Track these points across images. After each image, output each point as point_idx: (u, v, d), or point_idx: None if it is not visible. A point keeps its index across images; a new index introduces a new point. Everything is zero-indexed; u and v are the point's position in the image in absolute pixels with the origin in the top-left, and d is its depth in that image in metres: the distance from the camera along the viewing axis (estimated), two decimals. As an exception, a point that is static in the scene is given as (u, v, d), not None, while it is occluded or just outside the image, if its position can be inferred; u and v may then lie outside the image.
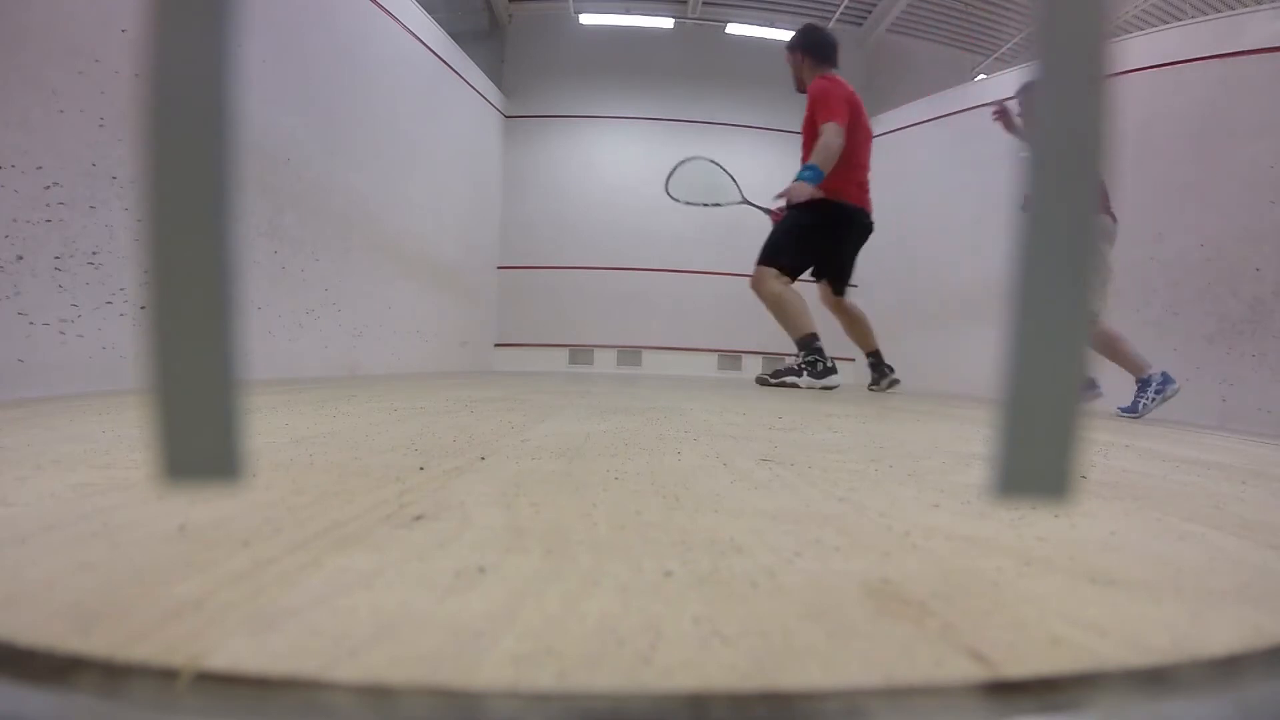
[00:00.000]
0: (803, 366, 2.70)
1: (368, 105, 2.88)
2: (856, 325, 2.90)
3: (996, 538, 0.44)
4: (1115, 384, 2.55)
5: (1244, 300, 2.43)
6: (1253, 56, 2.49)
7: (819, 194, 2.72)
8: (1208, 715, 0.24)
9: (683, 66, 5.28)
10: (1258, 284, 2.40)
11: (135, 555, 0.35)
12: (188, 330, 0.23)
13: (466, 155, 4.28)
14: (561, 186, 5.14)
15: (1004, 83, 3.84)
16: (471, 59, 4.21)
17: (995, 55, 5.68)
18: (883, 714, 0.23)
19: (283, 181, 2.26)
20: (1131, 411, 2.44)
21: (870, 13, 5.32)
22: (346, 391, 1.64)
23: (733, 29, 5.33)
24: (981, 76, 5.35)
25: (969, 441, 1.04)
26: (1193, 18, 3.49)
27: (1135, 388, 2.44)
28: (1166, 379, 2.41)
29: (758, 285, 2.74)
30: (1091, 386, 2.60)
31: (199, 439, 0.24)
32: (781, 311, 2.70)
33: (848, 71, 5.64)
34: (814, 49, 2.79)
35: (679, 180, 3.24)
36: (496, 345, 4.99)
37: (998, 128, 2.63)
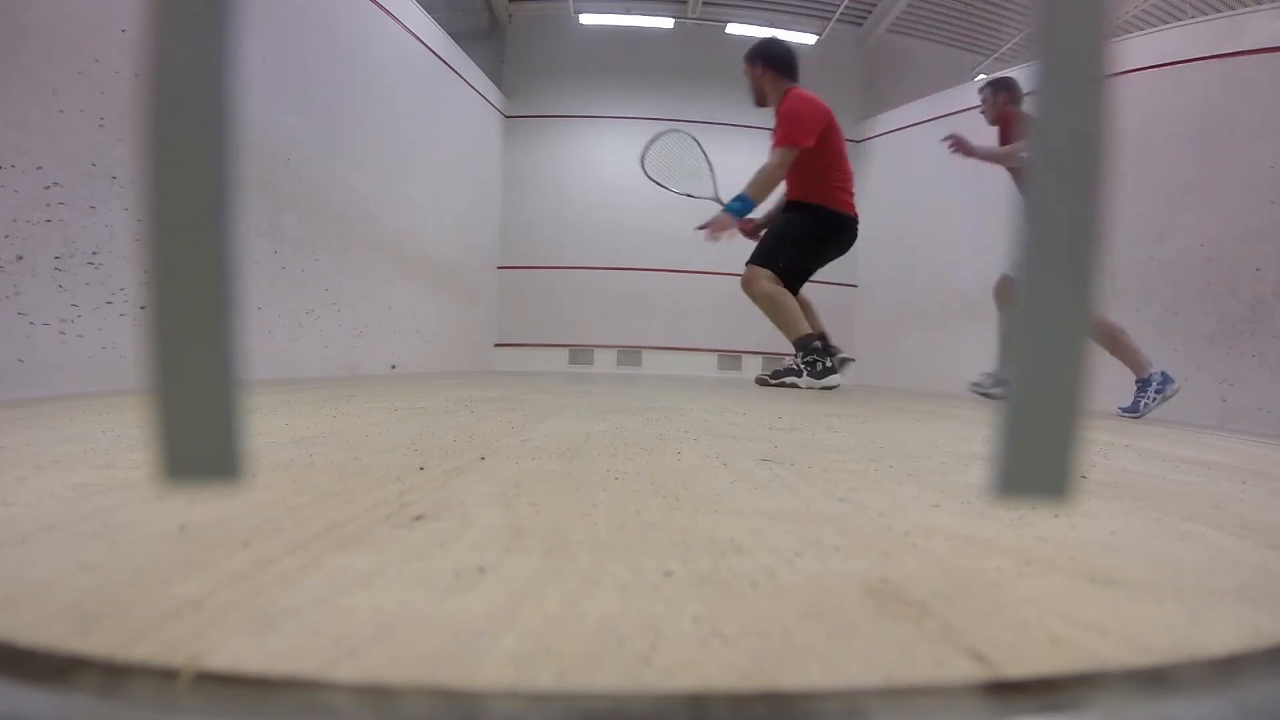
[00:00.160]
0: (802, 366, 2.69)
1: (368, 105, 2.88)
2: (804, 310, 2.84)
3: (996, 538, 0.44)
4: (1116, 382, 2.55)
5: (1244, 300, 2.43)
6: (1253, 56, 2.49)
7: (825, 203, 2.71)
8: (1208, 715, 0.24)
9: (683, 66, 5.28)
10: (1258, 284, 2.40)
11: (135, 555, 0.35)
12: (188, 330, 0.23)
13: (466, 155, 4.28)
14: (561, 186, 5.14)
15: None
16: (471, 59, 4.21)
17: (995, 55, 5.68)
18: (883, 714, 0.23)
19: (283, 181, 2.26)
20: (1132, 411, 2.47)
21: (870, 13, 5.32)
22: (346, 391, 1.64)
23: (733, 29, 5.33)
24: (981, 76, 5.34)
25: (969, 441, 1.04)
26: (1193, 18, 3.49)
27: (1135, 387, 2.47)
28: (1166, 379, 2.44)
29: (749, 285, 2.71)
30: (1164, 382, 2.65)
31: (199, 439, 0.24)
32: (777, 311, 2.68)
33: (848, 71, 5.64)
34: (775, 61, 2.73)
35: (656, 155, 3.12)
36: (496, 345, 4.99)
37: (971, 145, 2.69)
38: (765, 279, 2.66)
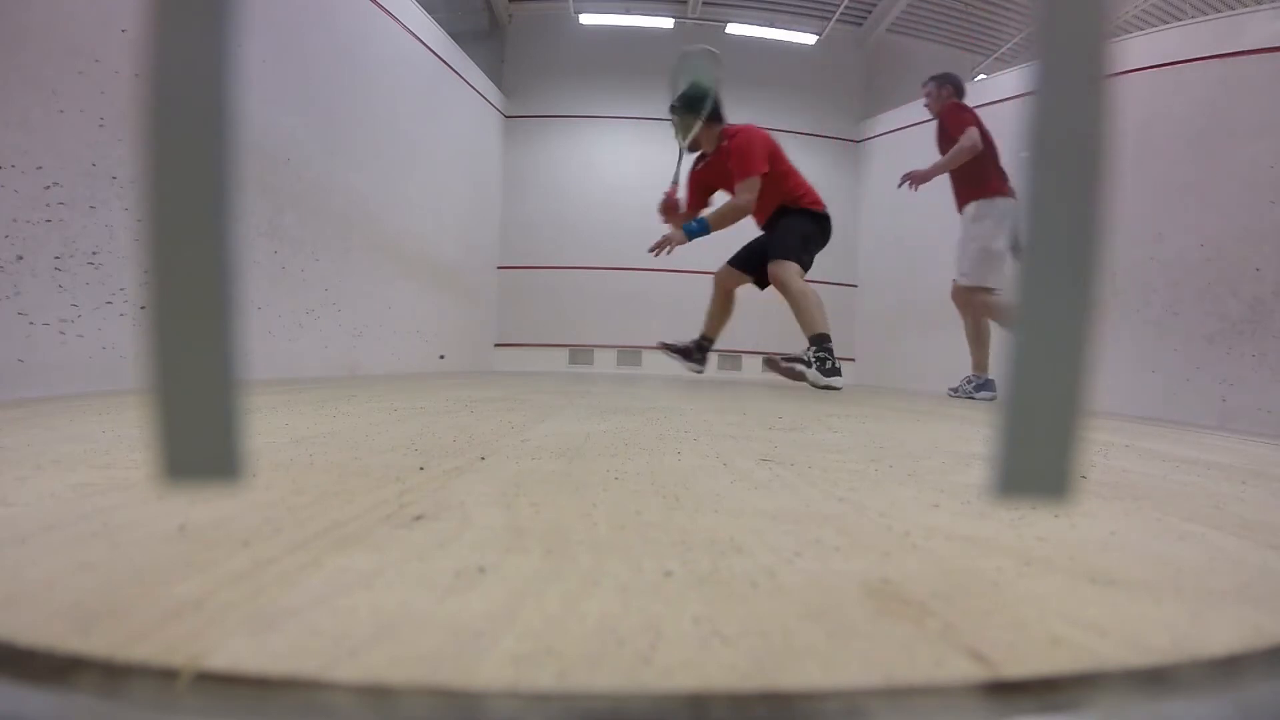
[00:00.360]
0: (813, 360, 2.72)
1: (368, 105, 2.87)
2: (726, 313, 3.09)
3: (996, 538, 0.44)
4: (1116, 382, 2.55)
5: (1244, 300, 2.43)
6: (1253, 56, 2.48)
7: (816, 206, 2.88)
8: (1208, 715, 0.24)
9: (683, 66, 5.28)
10: (1258, 284, 2.39)
11: (135, 555, 0.35)
12: (188, 330, 0.23)
13: (466, 155, 4.28)
14: (561, 186, 5.14)
15: (1004, 83, 3.84)
16: (471, 59, 4.21)
17: (995, 55, 5.68)
18: (883, 714, 0.23)
19: (283, 181, 2.26)
20: (954, 392, 2.83)
21: (870, 13, 5.32)
22: (346, 391, 1.64)
23: (733, 29, 5.33)
24: (981, 76, 5.34)
25: (969, 441, 1.04)
26: (1193, 18, 3.49)
27: (965, 377, 2.85)
28: (990, 386, 2.77)
29: (787, 279, 2.77)
30: (990, 387, 2.84)
31: (199, 439, 0.24)
32: (807, 304, 2.74)
33: (848, 71, 5.65)
34: (713, 110, 2.91)
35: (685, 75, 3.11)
36: (496, 345, 4.99)
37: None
38: (797, 274, 2.75)
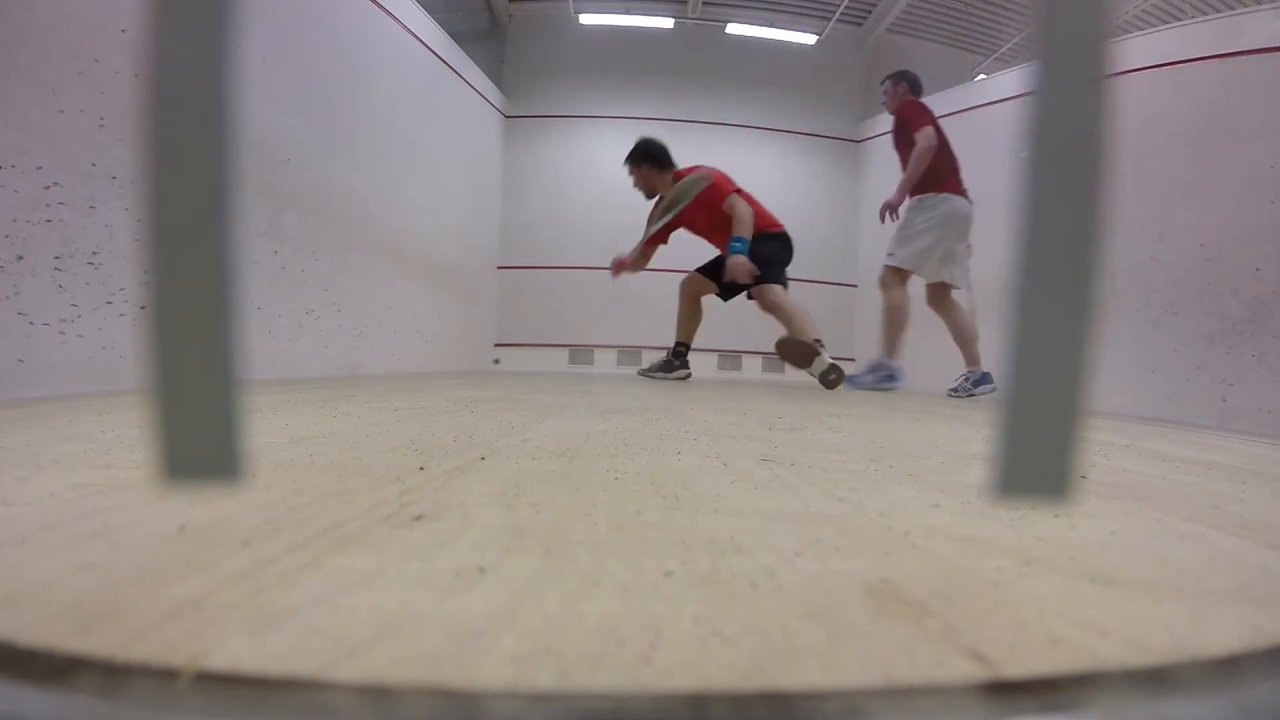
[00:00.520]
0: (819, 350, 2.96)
1: (368, 105, 2.87)
2: (696, 317, 3.33)
3: (996, 538, 0.44)
4: (1117, 382, 2.55)
5: (1244, 300, 2.43)
6: (1253, 56, 2.48)
7: (772, 228, 3.07)
8: (1208, 715, 0.24)
9: (683, 66, 5.28)
10: (1258, 284, 2.39)
11: (135, 555, 0.35)
12: (188, 330, 0.23)
13: (466, 155, 4.28)
14: (561, 186, 5.13)
15: (1004, 83, 3.84)
16: (471, 59, 4.20)
17: (995, 55, 5.68)
18: (883, 714, 0.23)
19: (283, 181, 2.26)
20: (852, 380, 2.92)
21: (870, 13, 5.32)
22: (346, 391, 1.64)
23: (733, 29, 5.33)
24: (981, 76, 5.34)
25: (969, 441, 1.04)
26: (1193, 18, 3.49)
27: (869, 364, 2.95)
28: (896, 377, 2.89)
29: (775, 301, 2.98)
30: (892, 377, 2.94)
31: (199, 439, 0.24)
32: (796, 320, 2.93)
33: (848, 71, 5.65)
34: (654, 158, 3.12)
35: None
36: (496, 345, 4.99)
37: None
38: (780, 293, 2.98)
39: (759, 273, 2.93)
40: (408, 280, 3.32)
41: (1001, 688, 0.24)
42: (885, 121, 4.95)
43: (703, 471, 0.65)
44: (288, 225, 2.28)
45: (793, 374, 4.85)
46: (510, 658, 0.24)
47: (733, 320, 4.62)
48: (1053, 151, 0.24)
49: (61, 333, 1.42)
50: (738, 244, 2.94)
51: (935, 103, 4.20)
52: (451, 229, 3.96)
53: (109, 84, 1.50)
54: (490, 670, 0.23)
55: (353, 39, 2.75)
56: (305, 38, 2.41)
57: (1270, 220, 2.38)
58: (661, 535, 0.42)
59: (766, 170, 5.16)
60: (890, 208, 2.90)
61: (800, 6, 5.26)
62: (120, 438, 0.74)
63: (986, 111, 3.79)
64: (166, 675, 0.23)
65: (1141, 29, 3.88)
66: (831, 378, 2.74)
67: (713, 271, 3.16)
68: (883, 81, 3.16)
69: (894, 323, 2.93)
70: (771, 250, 3.05)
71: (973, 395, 2.79)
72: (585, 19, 5.19)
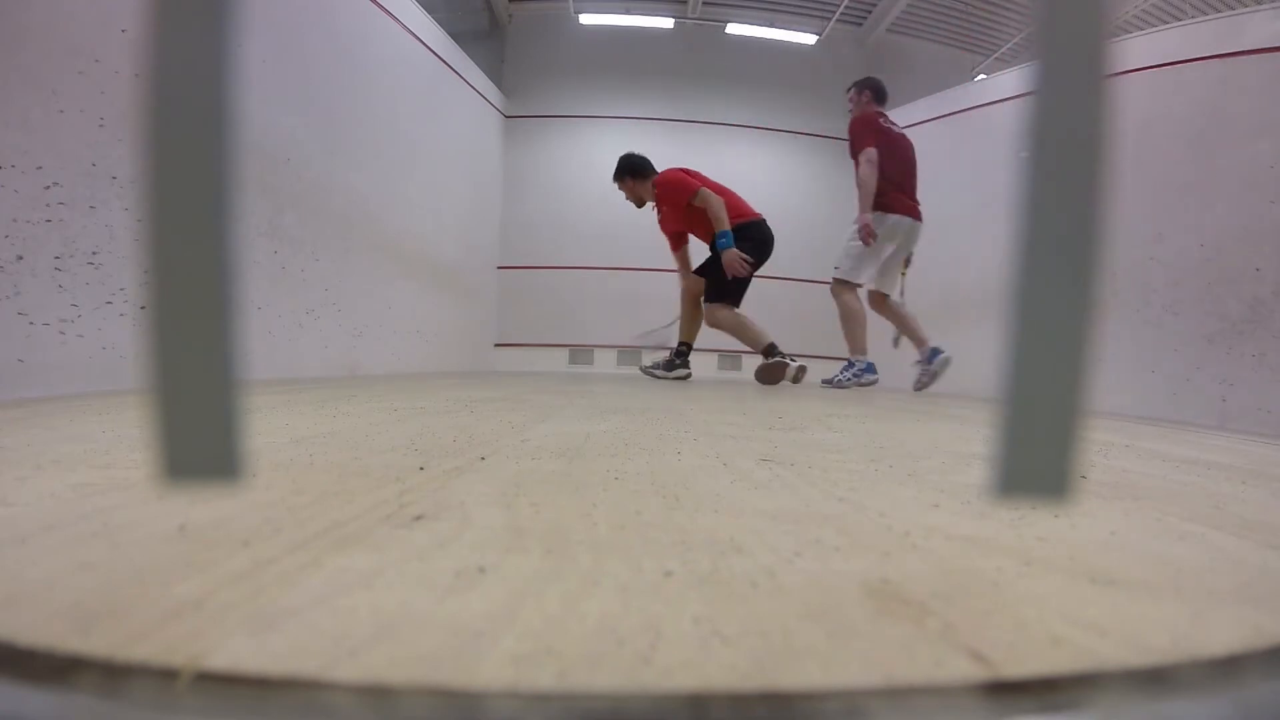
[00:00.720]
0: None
1: (368, 105, 2.87)
2: (698, 318, 3.36)
3: (996, 538, 0.44)
4: (1117, 381, 2.55)
5: (1244, 300, 2.43)
6: (1253, 56, 2.48)
7: (743, 218, 3.16)
8: (1208, 715, 0.24)
9: (683, 66, 5.28)
10: (1258, 284, 2.39)
11: (135, 555, 0.35)
12: (188, 330, 0.23)
13: (466, 155, 4.28)
14: (561, 186, 5.14)
15: (1004, 83, 3.84)
16: (471, 59, 4.20)
17: (995, 55, 5.68)
18: (883, 714, 0.23)
19: (283, 181, 2.26)
20: (830, 383, 3.02)
21: (870, 13, 5.32)
22: (346, 391, 1.64)
23: (733, 29, 5.33)
24: (981, 76, 5.34)
25: (969, 441, 1.04)
26: (1193, 18, 3.49)
27: (844, 364, 3.07)
28: (870, 370, 3.01)
29: (719, 320, 3.18)
30: (867, 370, 3.05)
31: (199, 439, 0.24)
32: (745, 333, 3.15)
33: (848, 71, 5.67)
34: (634, 170, 3.28)
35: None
36: (496, 345, 4.99)
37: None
38: (721, 310, 3.16)
39: (744, 269, 3.05)
40: (408, 280, 3.32)
41: (1001, 688, 0.24)
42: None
43: (703, 471, 0.65)
44: (288, 225, 2.28)
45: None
46: (510, 658, 0.24)
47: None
48: (1053, 151, 0.24)
49: (61, 333, 1.42)
50: (723, 239, 3.04)
51: (935, 103, 4.21)
52: (451, 229, 3.96)
53: (109, 84, 1.50)
54: (490, 670, 0.23)
55: (353, 39, 2.75)
56: (305, 38, 2.41)
57: (1270, 220, 2.38)
58: (661, 535, 0.42)
59: (767, 170, 5.17)
60: (867, 230, 3.00)
61: (800, 6, 5.26)
62: (120, 438, 0.74)
63: (986, 111, 3.79)
64: (166, 675, 0.23)
65: (1141, 29, 3.88)
66: (801, 376, 3.06)
67: (706, 270, 3.23)
68: (849, 89, 3.23)
69: (852, 322, 3.08)
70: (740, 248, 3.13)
71: (858, 380, 3.03)
72: (585, 19, 5.20)
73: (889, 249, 3.06)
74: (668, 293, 5.05)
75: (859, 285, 3.10)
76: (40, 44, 1.37)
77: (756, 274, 3.31)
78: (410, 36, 3.27)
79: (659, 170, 3.28)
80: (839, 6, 5.12)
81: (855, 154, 2.99)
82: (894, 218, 2.99)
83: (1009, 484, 0.25)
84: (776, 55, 5.39)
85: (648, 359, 3.60)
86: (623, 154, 3.36)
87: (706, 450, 0.80)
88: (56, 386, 1.38)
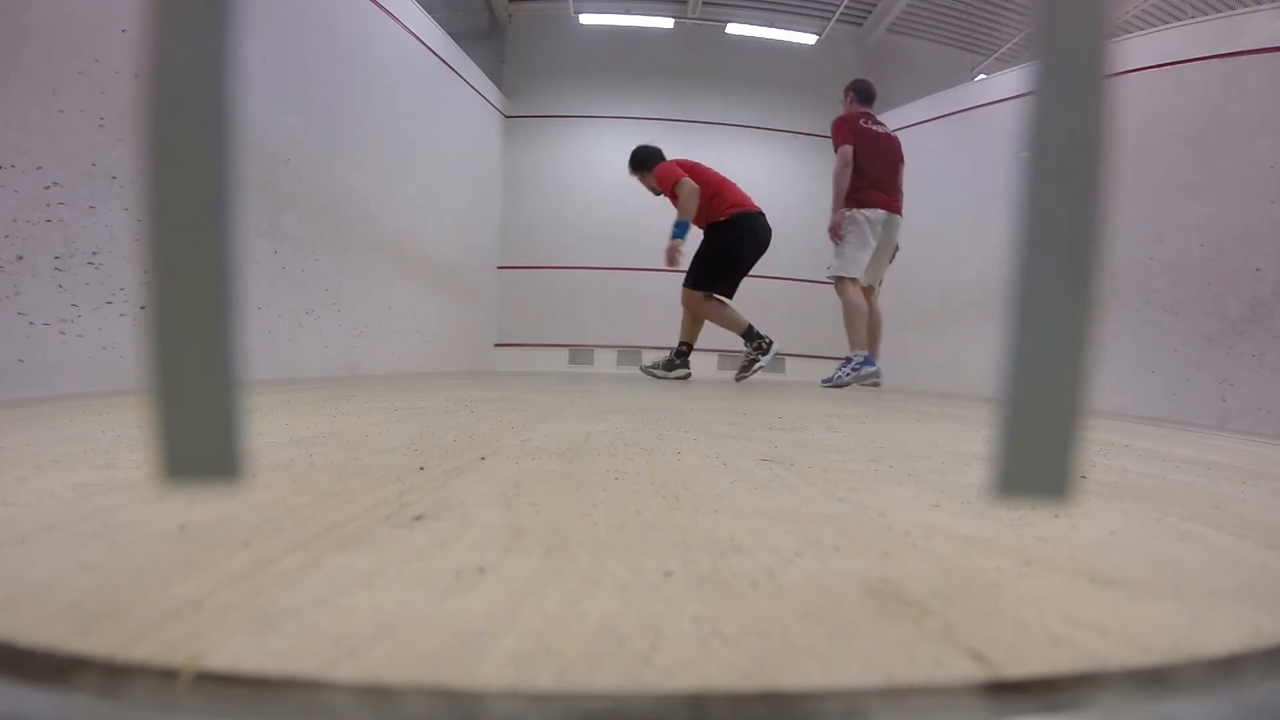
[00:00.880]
0: (754, 354, 3.30)
1: (368, 105, 2.87)
2: (699, 320, 3.44)
3: (996, 538, 0.44)
4: (1118, 381, 2.55)
5: (1244, 300, 2.43)
6: (1253, 56, 2.48)
7: (721, 215, 3.24)
8: (1208, 715, 0.24)
9: (683, 66, 5.28)
10: (1258, 284, 2.39)
11: (135, 555, 0.35)
12: (188, 330, 0.23)
13: (466, 155, 4.28)
14: (561, 186, 5.14)
15: (1004, 83, 3.84)
16: (471, 59, 4.20)
17: (995, 55, 5.68)
18: (883, 714, 0.23)
19: (283, 181, 2.26)
20: (829, 381, 3.05)
21: (870, 13, 5.32)
22: (346, 391, 1.64)
23: (733, 29, 5.33)
24: (981, 76, 5.34)
25: (969, 441, 1.04)
26: (1193, 18, 3.49)
27: (842, 361, 3.09)
28: (868, 362, 3.03)
29: (694, 307, 3.29)
30: (865, 363, 3.05)
31: (199, 439, 0.24)
32: (723, 320, 3.31)
33: (848, 71, 5.68)
34: (643, 161, 3.40)
35: None
36: (496, 345, 4.99)
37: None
38: (698, 299, 3.26)
39: (676, 261, 3.17)
40: (408, 280, 3.32)
41: (1001, 688, 0.24)
42: (885, 121, 4.98)
43: (703, 471, 0.65)
44: (288, 225, 2.28)
45: (792, 374, 4.86)
46: (510, 658, 0.24)
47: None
48: (1053, 151, 0.24)
49: (61, 333, 1.42)
50: (676, 228, 3.18)
51: (935, 103, 4.21)
52: (451, 229, 3.96)
53: (109, 84, 1.50)
54: (490, 670, 0.23)
55: (353, 39, 2.75)
56: (305, 38, 2.41)
57: (1270, 220, 2.37)
58: (661, 535, 0.42)
59: (766, 170, 5.17)
60: (833, 230, 3.14)
61: (800, 6, 5.26)
62: (120, 438, 0.74)
63: (986, 111, 3.79)
64: (166, 675, 0.23)
65: (1141, 29, 3.88)
66: (772, 353, 3.26)
67: (694, 258, 3.32)
68: (846, 89, 3.34)
69: (854, 316, 3.13)
70: (716, 246, 3.24)
71: (858, 374, 3.06)
72: (585, 19, 5.20)
73: (873, 242, 3.14)
74: (668, 293, 5.06)
75: (857, 280, 3.14)
76: (40, 44, 1.37)
77: (753, 272, 3.33)
78: (410, 36, 3.27)
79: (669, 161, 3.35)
80: (839, 6, 5.12)
81: (835, 149, 3.12)
82: (868, 211, 3.08)
83: (1009, 484, 0.25)
84: (776, 55, 5.39)
85: (648, 358, 3.67)
86: (635, 147, 3.44)
87: (706, 450, 0.80)
88: (56, 386, 1.38)
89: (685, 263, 3.27)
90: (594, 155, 5.17)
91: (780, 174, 5.22)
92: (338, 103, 2.63)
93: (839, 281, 3.16)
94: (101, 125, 1.49)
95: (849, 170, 3.06)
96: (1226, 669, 0.26)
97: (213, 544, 0.36)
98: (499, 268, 4.98)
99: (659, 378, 3.38)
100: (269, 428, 0.87)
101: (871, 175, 3.10)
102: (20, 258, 1.33)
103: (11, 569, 0.32)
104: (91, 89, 1.47)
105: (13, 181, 1.32)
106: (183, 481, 0.24)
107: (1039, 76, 0.24)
